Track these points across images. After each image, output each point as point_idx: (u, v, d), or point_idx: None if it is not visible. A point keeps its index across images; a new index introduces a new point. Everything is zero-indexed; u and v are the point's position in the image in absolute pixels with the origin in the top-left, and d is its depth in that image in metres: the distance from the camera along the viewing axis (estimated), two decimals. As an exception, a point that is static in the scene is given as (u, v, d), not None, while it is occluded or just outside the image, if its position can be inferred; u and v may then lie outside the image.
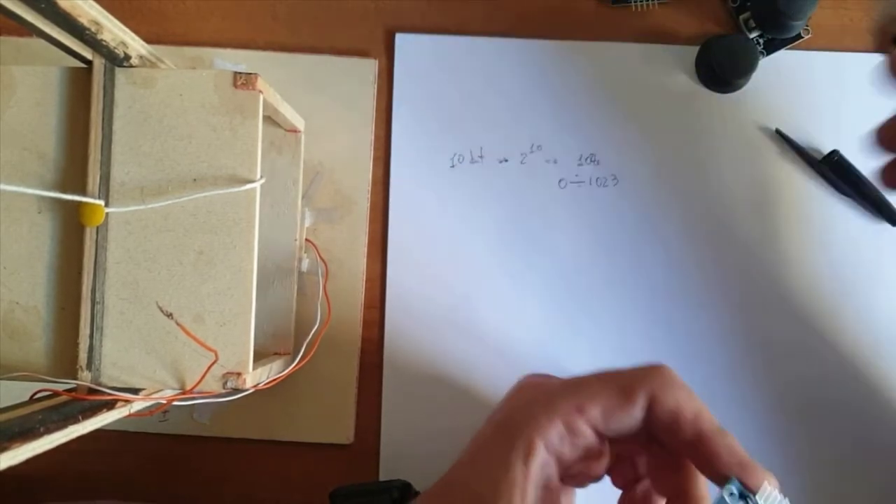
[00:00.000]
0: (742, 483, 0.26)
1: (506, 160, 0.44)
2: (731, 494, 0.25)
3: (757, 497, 0.25)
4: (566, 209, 0.44)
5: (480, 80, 0.44)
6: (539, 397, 0.28)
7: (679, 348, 0.43)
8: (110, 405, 0.31)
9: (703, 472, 0.27)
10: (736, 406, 0.43)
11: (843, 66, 0.44)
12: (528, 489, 0.26)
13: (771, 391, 0.43)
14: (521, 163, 0.44)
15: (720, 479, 0.26)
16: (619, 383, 0.27)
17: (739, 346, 0.43)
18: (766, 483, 0.26)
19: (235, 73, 0.32)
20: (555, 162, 0.44)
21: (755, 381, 0.43)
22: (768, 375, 0.43)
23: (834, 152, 0.43)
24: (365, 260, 0.43)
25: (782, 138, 0.43)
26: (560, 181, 0.44)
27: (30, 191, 0.32)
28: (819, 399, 0.43)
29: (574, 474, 0.28)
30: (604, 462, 0.28)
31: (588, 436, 0.27)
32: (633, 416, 0.26)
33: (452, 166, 0.44)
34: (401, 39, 0.44)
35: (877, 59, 0.44)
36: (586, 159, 0.44)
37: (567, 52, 0.44)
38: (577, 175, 0.44)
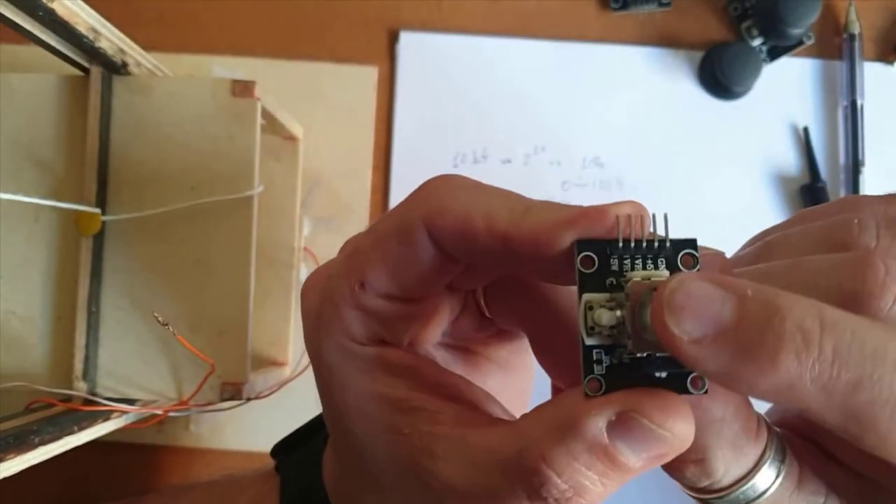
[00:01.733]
0: (582, 246, 0.17)
1: (509, 161, 0.44)
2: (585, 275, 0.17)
3: (615, 262, 0.17)
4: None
5: (485, 80, 0.44)
6: (321, 293, 0.22)
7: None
8: (106, 416, 0.30)
9: (542, 277, 0.21)
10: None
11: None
12: (368, 404, 0.21)
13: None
14: (525, 164, 0.43)
15: (561, 271, 0.18)
16: (394, 225, 0.20)
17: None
18: (616, 216, 0.17)
19: (233, 81, 0.32)
20: (559, 164, 0.43)
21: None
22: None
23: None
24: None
25: (805, 139, 0.43)
26: (563, 183, 0.43)
27: (27, 199, 0.32)
28: None
29: (453, 342, 0.23)
30: (452, 316, 0.22)
31: (387, 308, 0.21)
32: (423, 256, 0.20)
33: (455, 166, 0.44)
34: (405, 38, 0.44)
35: (879, 67, 0.44)
36: (590, 162, 0.44)
37: (573, 53, 0.44)
38: (580, 178, 0.43)
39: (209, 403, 0.32)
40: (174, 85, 0.32)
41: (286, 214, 0.40)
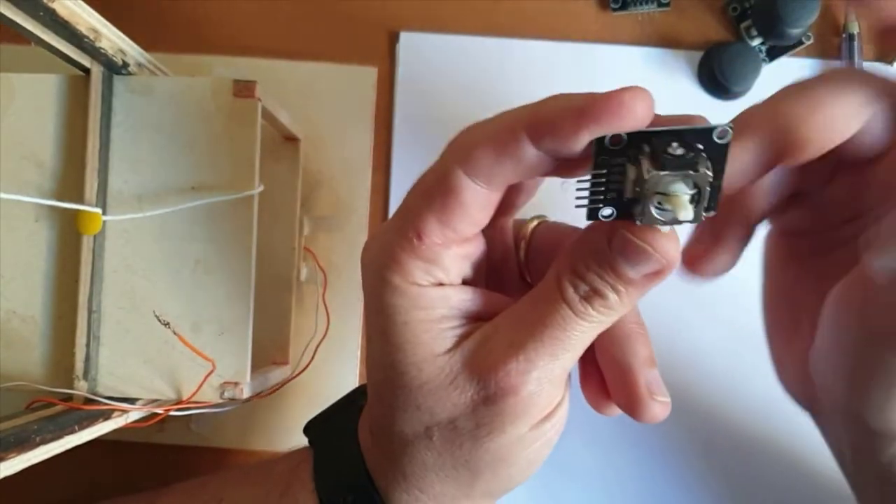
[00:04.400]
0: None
1: (507, 161, 0.44)
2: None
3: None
4: (567, 212, 0.43)
5: (485, 80, 0.44)
6: (380, 247, 0.25)
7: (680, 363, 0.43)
8: (107, 415, 0.31)
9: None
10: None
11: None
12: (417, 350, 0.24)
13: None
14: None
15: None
16: (435, 178, 0.23)
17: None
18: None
19: (234, 81, 0.32)
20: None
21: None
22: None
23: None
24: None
25: None
26: (563, 183, 0.43)
27: (27, 199, 0.32)
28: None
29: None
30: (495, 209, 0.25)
31: (441, 253, 0.24)
32: (467, 197, 0.23)
33: (455, 167, 0.44)
34: (405, 38, 0.44)
35: (878, 67, 0.44)
36: (588, 161, 0.44)
37: (572, 53, 0.44)
38: (578, 177, 0.43)
39: (210, 403, 0.32)
40: (175, 85, 0.32)
41: (286, 214, 0.40)
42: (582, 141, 0.21)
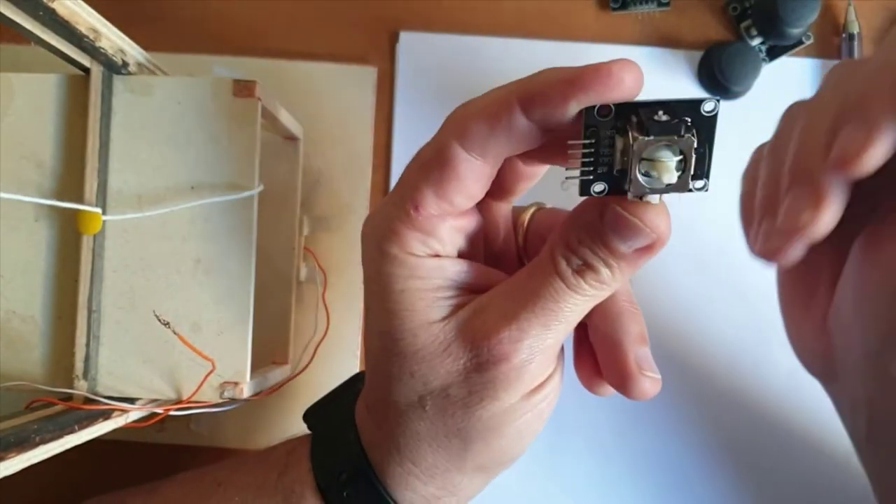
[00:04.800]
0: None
1: (508, 160, 0.44)
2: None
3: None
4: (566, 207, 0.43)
5: (485, 80, 0.44)
6: (380, 218, 0.26)
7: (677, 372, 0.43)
8: (107, 415, 0.31)
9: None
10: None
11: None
12: (417, 322, 0.25)
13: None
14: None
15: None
16: (434, 150, 0.24)
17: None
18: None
19: (234, 81, 0.32)
20: (558, 163, 0.44)
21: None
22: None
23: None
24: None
25: None
26: (562, 182, 0.43)
27: (27, 199, 0.32)
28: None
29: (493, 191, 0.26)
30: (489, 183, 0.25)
31: (438, 224, 0.25)
32: (462, 169, 0.24)
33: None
34: (405, 38, 0.44)
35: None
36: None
37: (572, 53, 0.44)
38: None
39: (209, 402, 0.32)
40: (174, 85, 0.32)
41: (286, 214, 0.40)
42: (571, 109, 0.21)
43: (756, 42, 0.44)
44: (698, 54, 0.44)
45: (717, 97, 0.20)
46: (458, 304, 0.25)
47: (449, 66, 0.44)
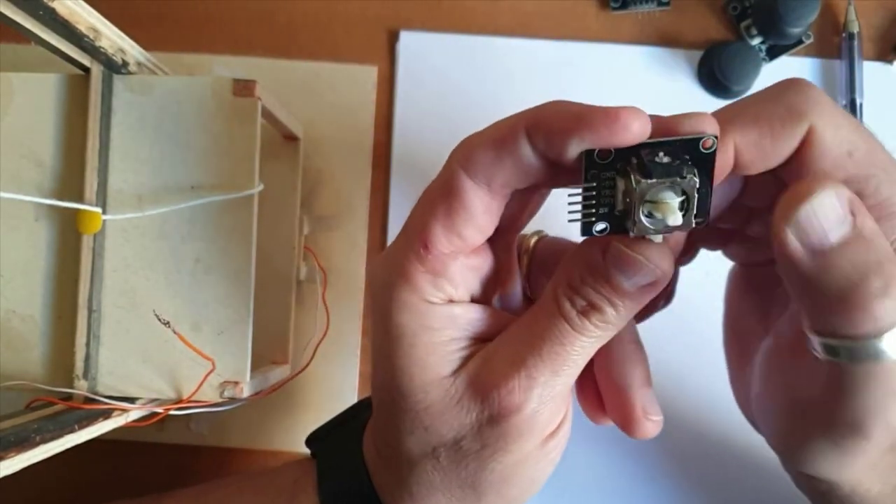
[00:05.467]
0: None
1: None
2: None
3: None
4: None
5: (485, 80, 0.44)
6: (389, 262, 0.25)
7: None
8: (107, 414, 0.31)
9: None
10: None
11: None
12: (421, 352, 0.24)
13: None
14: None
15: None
16: (440, 184, 0.24)
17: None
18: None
19: (234, 80, 0.32)
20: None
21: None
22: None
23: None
24: (364, 267, 0.43)
25: None
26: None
27: (27, 198, 0.32)
28: None
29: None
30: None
31: (449, 264, 0.24)
32: (472, 202, 0.23)
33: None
34: (405, 38, 0.44)
35: (878, 66, 0.44)
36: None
37: (572, 53, 0.44)
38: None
39: (209, 402, 0.32)
40: (174, 84, 0.32)
41: (286, 214, 0.40)
42: (574, 147, 0.21)
43: (756, 41, 0.44)
44: (698, 54, 0.44)
45: (714, 134, 0.21)
46: (468, 356, 0.25)
47: (449, 66, 0.44)
